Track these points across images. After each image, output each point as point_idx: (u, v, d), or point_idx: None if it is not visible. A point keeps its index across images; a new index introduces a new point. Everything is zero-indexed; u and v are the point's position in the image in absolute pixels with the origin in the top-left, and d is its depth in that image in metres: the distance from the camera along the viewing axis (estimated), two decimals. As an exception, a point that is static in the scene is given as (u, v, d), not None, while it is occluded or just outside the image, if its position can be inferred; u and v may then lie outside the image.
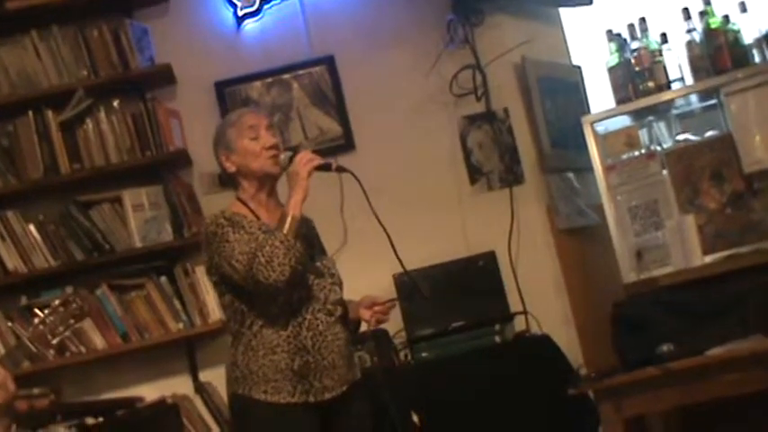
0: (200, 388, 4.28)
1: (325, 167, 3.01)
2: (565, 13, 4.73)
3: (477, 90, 4.48)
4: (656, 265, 4.09)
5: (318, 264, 3.06)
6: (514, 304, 4.27)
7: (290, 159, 3.00)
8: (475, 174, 4.50)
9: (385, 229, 3.02)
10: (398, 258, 3.06)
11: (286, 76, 4.52)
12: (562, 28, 4.75)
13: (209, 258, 3.02)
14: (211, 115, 4.43)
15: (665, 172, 4.14)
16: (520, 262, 4.36)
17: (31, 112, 4.27)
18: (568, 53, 4.74)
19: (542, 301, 4.29)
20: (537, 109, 4.46)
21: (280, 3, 4.53)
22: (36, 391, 4.01)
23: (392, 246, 3.03)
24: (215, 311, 4.25)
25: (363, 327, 3.16)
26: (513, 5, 4.53)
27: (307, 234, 3.09)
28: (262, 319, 2.97)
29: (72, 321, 3.01)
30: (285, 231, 2.88)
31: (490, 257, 4.32)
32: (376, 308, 3.06)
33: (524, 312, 4.20)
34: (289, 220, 2.90)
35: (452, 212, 4.45)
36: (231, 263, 2.92)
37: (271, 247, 2.85)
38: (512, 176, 4.47)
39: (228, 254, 2.92)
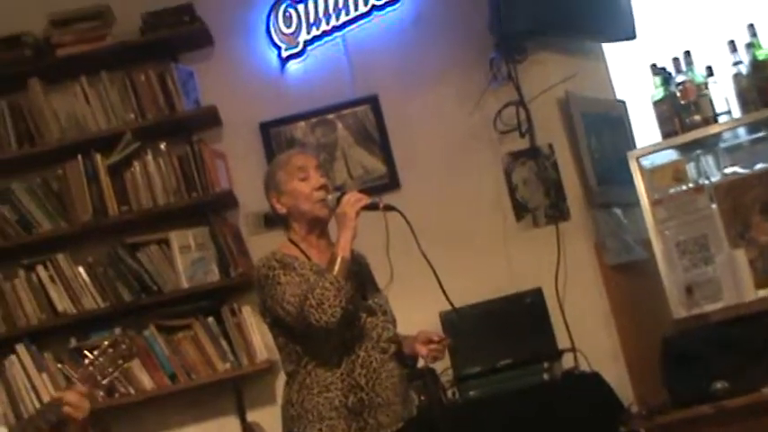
0: (247, 428, 4.28)
1: (372, 206, 3.02)
2: (608, 47, 4.72)
3: (521, 126, 4.47)
4: (706, 300, 4.03)
5: (371, 302, 3.06)
6: (562, 341, 4.23)
7: (338, 200, 3.01)
8: (520, 210, 4.49)
9: (432, 266, 3.01)
10: (446, 295, 3.05)
11: (330, 116, 4.55)
12: (605, 63, 4.73)
13: (261, 301, 3.04)
14: (257, 156, 4.48)
15: (713, 206, 4.09)
16: (567, 298, 4.32)
17: (80, 156, 4.34)
18: (612, 88, 4.72)
19: (591, 338, 4.24)
20: (582, 144, 4.44)
21: (323, 43, 4.56)
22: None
23: (439, 283, 3.02)
24: (262, 351, 4.26)
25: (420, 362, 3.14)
26: (556, 42, 4.52)
27: (359, 272, 3.10)
28: (316, 359, 2.98)
29: (121, 362, 3.04)
30: (335, 273, 2.88)
31: (537, 294, 4.28)
32: (432, 345, 3.04)
33: (573, 349, 4.15)
34: (339, 261, 2.90)
35: (498, 249, 4.43)
36: (283, 305, 2.93)
37: (321, 290, 2.86)
38: (558, 212, 4.44)
39: (280, 297, 2.94)
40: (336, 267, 2.89)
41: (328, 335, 2.90)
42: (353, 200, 2.98)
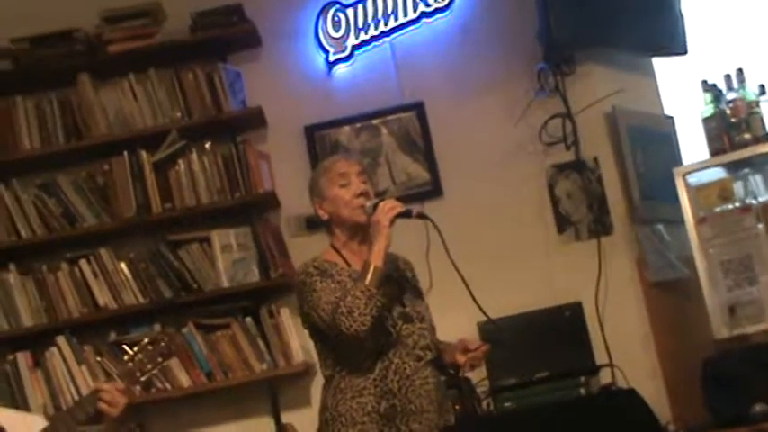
0: (282, 430, 4.28)
1: (406, 214, 3.02)
2: (658, 62, 4.68)
3: (566, 139, 4.45)
4: (749, 321, 3.98)
5: (408, 308, 3.06)
6: (600, 356, 4.19)
7: (374, 207, 3.01)
8: (563, 223, 4.46)
9: (462, 276, 3.00)
10: (478, 305, 3.04)
11: (375, 122, 4.55)
12: (655, 77, 4.70)
13: (299, 306, 3.07)
14: (300, 159, 4.50)
15: (760, 226, 4.04)
16: (607, 313, 4.29)
17: (126, 153, 4.37)
18: (661, 103, 4.69)
19: (629, 354, 4.20)
20: (627, 159, 4.41)
21: (371, 49, 4.57)
22: (125, 425, 4.09)
23: (470, 293, 3.01)
24: (299, 353, 4.26)
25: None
26: (606, 54, 4.49)
27: (398, 278, 3.09)
28: (349, 364, 2.99)
29: (160, 360, 3.07)
30: (367, 282, 2.89)
31: (576, 308, 4.25)
32: (470, 354, 3.03)
33: (610, 365, 4.12)
34: (371, 269, 2.91)
35: (539, 261, 4.41)
36: (317, 312, 2.96)
37: (352, 298, 2.87)
38: (600, 227, 4.41)
39: (315, 303, 2.97)
40: (368, 276, 2.90)
41: (360, 342, 2.91)
42: (387, 208, 2.99)
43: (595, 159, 4.47)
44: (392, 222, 2.97)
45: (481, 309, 3.04)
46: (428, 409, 2.99)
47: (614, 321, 4.28)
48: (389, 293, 2.99)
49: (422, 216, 3.06)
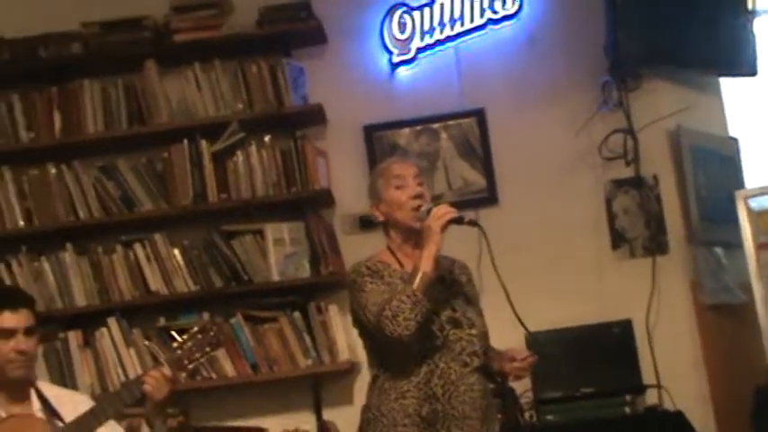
0: (322, 426, 4.30)
1: (457, 220, 2.99)
2: (725, 82, 4.62)
3: (627, 155, 4.41)
4: (804, 351, 3.92)
5: (458, 313, 3.04)
6: (648, 376, 4.16)
7: (428, 212, 3.00)
8: (618, 239, 4.42)
9: (504, 287, 2.96)
10: (518, 318, 3.00)
11: (435, 126, 4.55)
12: (721, 97, 4.64)
13: (350, 305, 3.07)
14: (358, 158, 4.51)
15: (820, 255, 3.97)
16: (657, 333, 4.25)
17: (186, 141, 4.41)
18: (726, 124, 4.63)
19: (678, 376, 4.16)
20: (688, 179, 4.36)
21: (435, 52, 4.56)
22: (168, 410, 4.15)
23: (511, 306, 2.98)
24: (344, 351, 4.27)
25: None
26: (672, 71, 4.45)
27: (450, 282, 3.08)
28: (394, 365, 2.98)
29: (208, 349, 3.11)
30: (414, 287, 2.88)
31: (626, 326, 4.22)
32: (516, 363, 3.02)
33: (658, 386, 4.08)
34: (419, 275, 2.90)
35: (591, 276, 4.37)
36: (364, 312, 2.96)
37: (398, 302, 2.86)
38: (656, 245, 4.36)
39: (363, 303, 2.96)
40: (416, 281, 2.89)
41: (404, 346, 2.90)
42: (440, 213, 2.97)
43: (655, 177, 4.42)
44: (444, 228, 2.95)
45: (521, 322, 2.99)
46: (471, 416, 2.96)
47: (664, 341, 4.24)
48: (439, 297, 2.97)
49: (473, 223, 3.04)
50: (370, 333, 2.99)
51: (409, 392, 2.94)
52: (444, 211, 2.97)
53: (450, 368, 2.96)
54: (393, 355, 2.96)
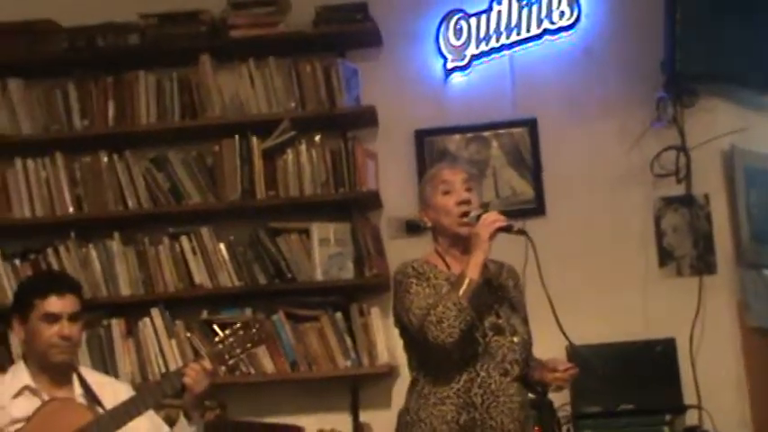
0: (359, 428, 4.30)
1: (506, 229, 2.98)
2: (784, 104, 4.57)
3: (678, 172, 4.37)
4: None
5: (501, 320, 3.02)
6: (689, 397, 4.12)
7: (477, 218, 2.99)
8: (665, 257, 4.38)
9: (550, 299, 2.95)
10: (562, 331, 2.97)
11: (486, 134, 4.53)
12: (777, 119, 4.58)
13: (393, 306, 3.06)
14: (407, 162, 4.50)
15: None
16: (701, 354, 4.21)
17: (237, 136, 4.42)
18: (780, 145, 4.57)
19: (720, 399, 4.12)
20: (740, 199, 4.31)
21: (490, 60, 4.54)
22: (206, 403, 4.16)
23: (556, 318, 2.96)
24: (384, 354, 4.27)
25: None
26: (730, 90, 4.40)
27: (497, 287, 3.07)
28: (435, 371, 2.97)
29: (249, 345, 3.13)
30: (460, 294, 2.87)
31: (669, 344, 4.18)
32: (557, 374, 3.00)
33: (699, 407, 4.04)
34: (466, 282, 2.89)
35: (636, 292, 4.34)
36: (408, 315, 2.95)
37: (443, 308, 2.85)
38: (703, 265, 4.32)
39: (407, 306, 2.96)
40: (462, 288, 2.88)
41: (446, 352, 2.89)
42: (489, 221, 2.95)
43: (706, 196, 4.38)
44: (492, 236, 2.94)
45: (564, 334, 2.97)
46: (509, 428, 2.95)
47: (707, 362, 4.20)
48: (484, 302, 2.96)
49: (522, 233, 3.01)
50: (412, 335, 2.99)
51: (448, 399, 2.94)
52: (493, 219, 2.96)
53: (490, 377, 2.95)
54: (433, 359, 2.96)
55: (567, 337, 3.00)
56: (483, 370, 2.95)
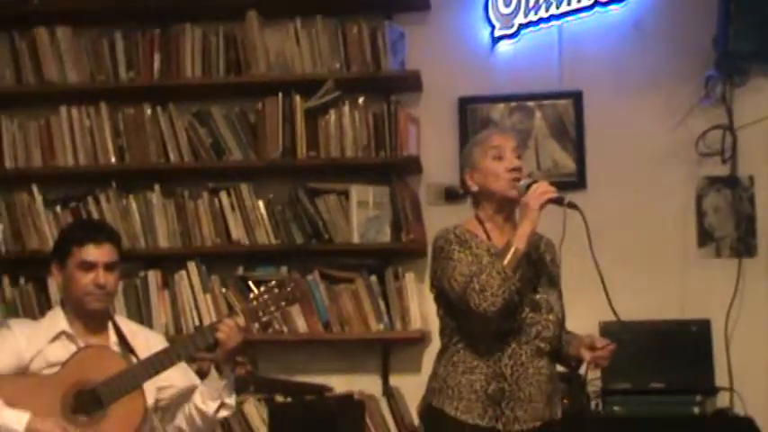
0: (388, 391, 4.31)
1: (557, 201, 2.95)
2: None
3: (724, 152, 4.32)
4: None
5: (539, 296, 3.01)
6: (721, 379, 4.09)
7: (527, 188, 2.96)
8: (704, 237, 4.34)
9: (601, 276, 2.92)
10: (611, 306, 2.95)
11: (530, 104, 4.49)
12: (830, 102, 4.50)
13: (432, 271, 3.04)
14: (450, 129, 4.48)
15: None
16: (735, 336, 4.18)
17: (280, 94, 4.41)
18: (833, 129, 4.49)
19: (752, 382, 4.09)
20: (786, 183, 4.26)
21: (538, 30, 4.49)
22: (237, 358, 4.20)
23: (606, 293, 2.93)
24: (416, 320, 4.27)
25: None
26: (782, 72, 4.34)
27: (536, 260, 3.05)
28: (467, 339, 2.96)
29: (283, 304, 3.14)
30: (505, 263, 2.85)
31: (704, 325, 4.15)
32: (598, 352, 2.98)
33: (730, 389, 4.02)
34: (511, 251, 2.86)
35: (673, 271, 4.30)
36: (450, 281, 2.93)
37: (487, 276, 2.83)
38: (743, 247, 4.28)
39: (449, 272, 2.94)
40: (508, 257, 2.86)
41: (485, 321, 2.88)
42: (540, 191, 2.92)
43: (751, 178, 4.32)
44: (542, 207, 2.92)
45: (614, 310, 2.94)
46: (536, 399, 2.95)
47: (742, 345, 4.17)
48: (523, 276, 2.94)
49: (573, 206, 2.95)
50: (449, 301, 2.97)
51: (478, 368, 2.94)
52: (544, 189, 2.92)
53: (521, 349, 2.94)
54: (469, 328, 2.95)
55: (615, 314, 2.95)
56: (515, 343, 2.94)
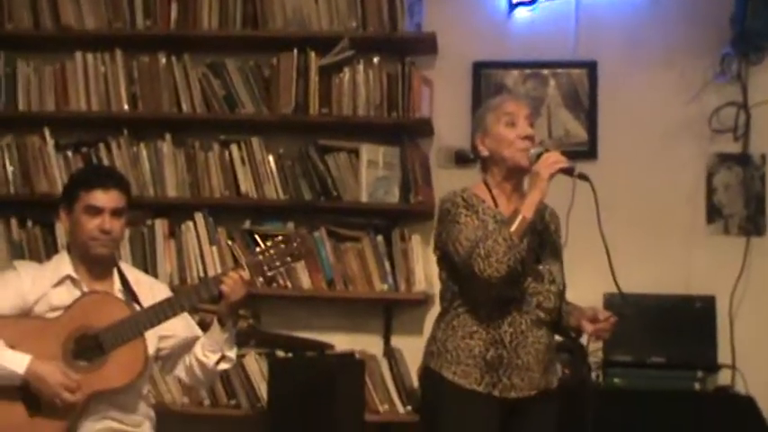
0: (389, 352, 4.32)
1: (567, 171, 2.94)
2: None
3: (737, 130, 4.30)
4: None
5: (542, 266, 3.01)
6: (723, 356, 4.10)
7: (538, 156, 2.95)
8: (713, 214, 4.33)
9: (607, 248, 2.93)
10: (615, 279, 2.96)
11: (545, 72, 4.47)
12: None
13: (437, 233, 3.05)
14: (463, 92, 4.46)
15: None
16: (740, 314, 4.18)
17: (295, 50, 4.39)
18: None
19: (755, 361, 4.09)
20: (798, 163, 4.24)
21: (556, -2, 4.48)
22: (241, 312, 4.22)
23: (610, 266, 2.94)
24: (421, 282, 4.28)
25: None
26: (799, 52, 4.30)
27: (541, 231, 3.05)
28: (469, 304, 2.97)
29: (289, 259, 3.14)
30: (512, 230, 2.85)
31: (709, 302, 4.15)
32: (599, 325, 2.98)
33: (732, 367, 4.03)
34: (519, 219, 2.86)
35: (680, 246, 4.30)
36: (455, 245, 2.93)
37: (493, 242, 2.83)
38: (752, 226, 4.27)
39: (455, 235, 2.94)
40: (515, 225, 2.85)
41: (488, 287, 2.88)
42: (551, 161, 2.91)
43: (763, 156, 4.31)
44: (552, 176, 2.91)
45: (617, 284, 2.95)
46: (533, 368, 2.96)
47: (746, 324, 4.17)
48: (529, 246, 2.94)
49: (583, 177, 2.94)
50: (452, 264, 2.98)
51: (477, 334, 2.95)
52: (555, 159, 2.92)
53: (522, 317, 2.95)
54: (471, 293, 2.95)
55: (618, 287, 2.96)
56: (516, 311, 2.95)
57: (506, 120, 3.03)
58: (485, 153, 3.07)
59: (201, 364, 3.18)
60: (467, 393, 2.93)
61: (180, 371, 3.27)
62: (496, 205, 3.02)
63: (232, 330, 3.16)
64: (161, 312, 3.06)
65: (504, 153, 3.02)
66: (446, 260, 3.02)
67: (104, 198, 3.12)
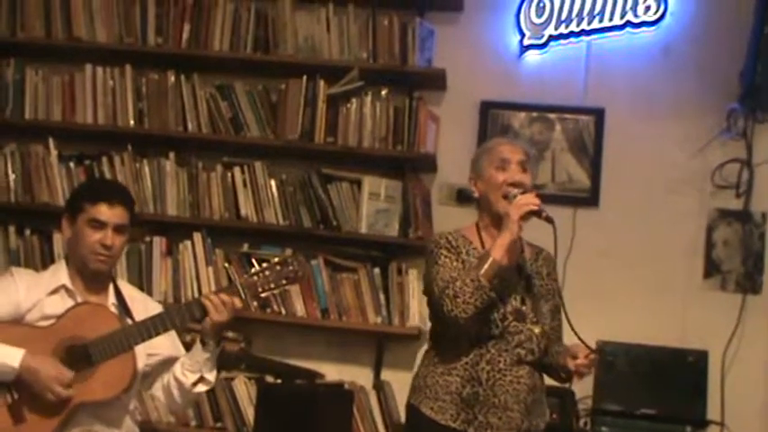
0: (378, 385, 4.30)
1: (536, 213, 2.91)
2: None
3: (739, 186, 4.32)
4: None
5: (525, 307, 3.00)
6: (713, 412, 4.08)
7: (513, 198, 2.95)
8: (711, 269, 4.32)
9: (561, 299, 2.93)
10: (573, 330, 2.94)
11: (552, 116, 4.49)
12: None
13: (424, 275, 3.09)
14: (469, 131, 4.48)
15: None
16: (732, 371, 4.17)
17: (305, 77, 4.41)
18: None
19: (744, 418, 4.09)
20: (798, 224, 4.24)
21: (567, 43, 4.49)
22: (231, 334, 4.20)
23: (567, 318, 2.92)
24: (415, 317, 4.27)
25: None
26: (807, 113, 4.32)
27: (529, 273, 3.04)
28: (448, 341, 2.98)
29: (284, 282, 3.11)
30: (481, 272, 2.85)
31: (702, 357, 4.14)
32: (578, 361, 2.96)
33: (721, 424, 4.01)
34: (488, 261, 2.86)
35: (676, 299, 4.29)
36: (431, 284, 2.97)
37: (462, 283, 2.85)
38: (749, 283, 4.27)
39: (433, 275, 2.97)
40: (485, 267, 2.85)
41: (459, 327, 2.88)
42: (522, 202, 2.90)
43: (764, 215, 4.32)
44: (523, 218, 2.89)
45: (576, 332, 2.93)
46: (512, 408, 2.93)
47: (737, 380, 4.16)
48: (511, 286, 2.94)
49: (549, 220, 2.91)
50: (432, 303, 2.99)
51: (455, 371, 2.95)
52: (525, 201, 2.91)
53: (501, 356, 2.94)
54: (449, 332, 2.96)
55: (579, 338, 2.94)
56: (495, 349, 2.94)
57: (498, 164, 3.03)
58: (477, 195, 3.08)
59: (179, 383, 3.13)
60: (442, 429, 2.92)
61: (157, 389, 3.22)
62: (484, 247, 3.01)
63: (214, 351, 3.11)
64: (152, 327, 3.04)
65: (490, 197, 3.03)
66: (429, 299, 3.03)
67: (109, 213, 3.11)
